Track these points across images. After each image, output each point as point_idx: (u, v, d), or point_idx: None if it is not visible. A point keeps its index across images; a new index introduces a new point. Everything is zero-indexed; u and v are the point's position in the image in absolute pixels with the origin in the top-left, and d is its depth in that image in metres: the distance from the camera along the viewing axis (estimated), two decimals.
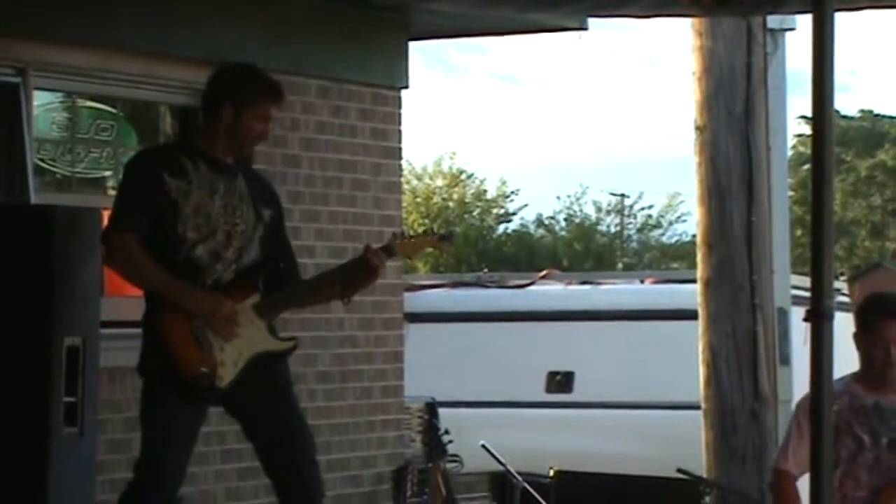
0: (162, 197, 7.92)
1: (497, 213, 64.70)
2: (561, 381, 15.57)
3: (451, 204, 62.31)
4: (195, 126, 8.97)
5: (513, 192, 62.80)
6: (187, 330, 7.86)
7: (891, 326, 8.46)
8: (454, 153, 61.88)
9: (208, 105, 8.33)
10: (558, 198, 64.30)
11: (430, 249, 9.13)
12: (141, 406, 8.06)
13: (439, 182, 61.64)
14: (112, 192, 10.37)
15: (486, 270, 31.19)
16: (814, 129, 5.93)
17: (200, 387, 7.90)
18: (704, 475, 10.98)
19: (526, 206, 63.33)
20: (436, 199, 60.92)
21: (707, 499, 10.79)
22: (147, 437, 8.01)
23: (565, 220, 65.44)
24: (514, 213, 64.98)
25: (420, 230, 9.21)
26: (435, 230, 9.22)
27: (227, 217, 8.07)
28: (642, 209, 65.39)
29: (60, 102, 10.63)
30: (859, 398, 8.49)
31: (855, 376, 8.58)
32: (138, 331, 8.08)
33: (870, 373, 8.58)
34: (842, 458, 8.55)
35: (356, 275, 8.47)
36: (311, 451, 8.24)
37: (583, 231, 64.51)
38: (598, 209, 65.96)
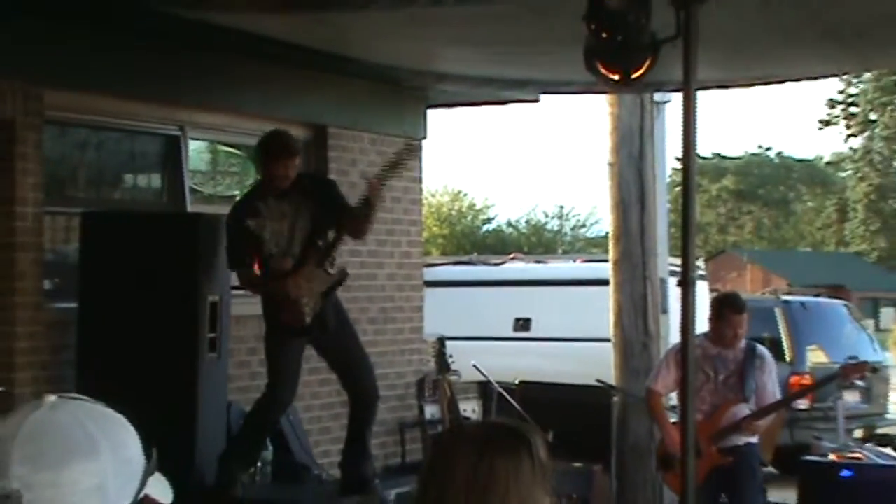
0: (248, 236, 8.04)
1: (482, 218, 65.15)
2: (523, 324, 15.39)
3: (453, 212, 62.62)
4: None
5: (492, 205, 63.96)
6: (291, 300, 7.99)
7: (738, 320, 8.75)
8: (455, 182, 62.87)
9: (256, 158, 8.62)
10: (521, 208, 65.21)
11: (403, 163, 8.62)
12: (268, 346, 8.21)
13: (446, 198, 61.91)
14: None
15: (475, 254, 31.53)
16: (683, 165, 5.84)
17: (298, 329, 8.04)
18: (614, 384, 10.94)
19: (498, 214, 64.97)
20: (444, 209, 61.23)
21: (615, 398, 10.81)
22: (271, 361, 8.17)
23: (525, 222, 65.86)
24: (493, 218, 65.59)
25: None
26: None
27: (292, 231, 8.13)
28: (575, 216, 66.08)
29: (206, 147, 10.52)
30: (707, 349, 8.77)
31: (706, 335, 8.79)
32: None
33: (717, 337, 8.82)
34: (694, 388, 9.15)
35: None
36: (371, 368, 8.48)
37: (536, 229, 64.78)
38: (546, 215, 66.32)
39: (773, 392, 8.94)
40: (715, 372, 8.84)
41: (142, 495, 1.85)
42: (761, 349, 9.00)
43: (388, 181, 8.44)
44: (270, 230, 8.07)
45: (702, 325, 9.09)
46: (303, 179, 8.37)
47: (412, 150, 8.99)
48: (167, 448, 1.95)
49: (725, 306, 8.85)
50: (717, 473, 8.79)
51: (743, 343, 8.89)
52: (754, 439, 8.96)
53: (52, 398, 1.86)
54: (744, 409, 8.79)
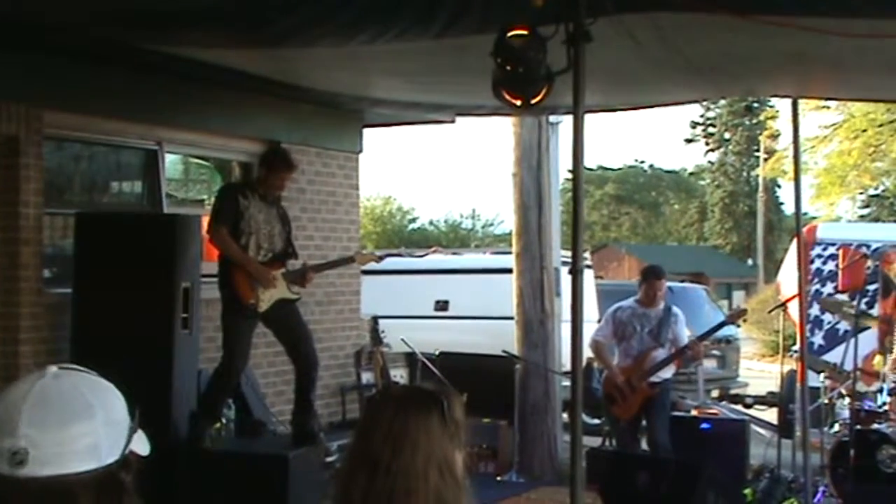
0: (237, 209, 7.97)
1: (409, 218, 64.73)
2: (442, 305, 15.35)
3: (385, 213, 62.21)
4: (255, 175, 8.92)
5: (416, 208, 64.12)
6: (248, 281, 7.95)
7: (659, 283, 9.52)
8: (386, 188, 62.56)
9: (259, 166, 8.48)
10: (441, 210, 65.13)
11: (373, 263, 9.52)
12: (223, 321, 8.11)
13: (379, 202, 61.56)
14: (207, 208, 10.25)
15: (403, 248, 31.49)
16: (573, 175, 5.67)
17: (250, 309, 7.98)
18: (517, 354, 10.94)
19: (421, 215, 64.79)
20: (377, 210, 60.83)
21: (517, 366, 10.86)
22: (228, 337, 8.08)
23: (444, 222, 65.57)
24: (417, 218, 65.10)
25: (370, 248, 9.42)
26: (376, 252, 8.88)
27: (265, 227, 8.11)
28: (485, 216, 66.54)
29: (180, 160, 10.43)
30: (637, 310, 9.49)
31: (636, 299, 9.56)
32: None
33: (646, 298, 9.46)
34: (626, 339, 9.43)
35: (333, 267, 9.15)
36: (311, 343, 8.32)
37: (453, 227, 64.42)
38: (461, 216, 66.75)
39: (684, 338, 9.49)
40: (641, 326, 9.40)
41: (127, 451, 1.86)
42: (675, 309, 9.57)
43: (322, 272, 8.97)
44: (251, 216, 8.00)
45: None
46: (282, 203, 8.41)
47: (347, 262, 9.17)
48: (148, 409, 1.95)
49: (650, 274, 9.64)
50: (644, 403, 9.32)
51: (662, 304, 9.48)
52: (670, 375, 9.48)
53: (54, 369, 1.86)
54: (661, 353, 9.34)
